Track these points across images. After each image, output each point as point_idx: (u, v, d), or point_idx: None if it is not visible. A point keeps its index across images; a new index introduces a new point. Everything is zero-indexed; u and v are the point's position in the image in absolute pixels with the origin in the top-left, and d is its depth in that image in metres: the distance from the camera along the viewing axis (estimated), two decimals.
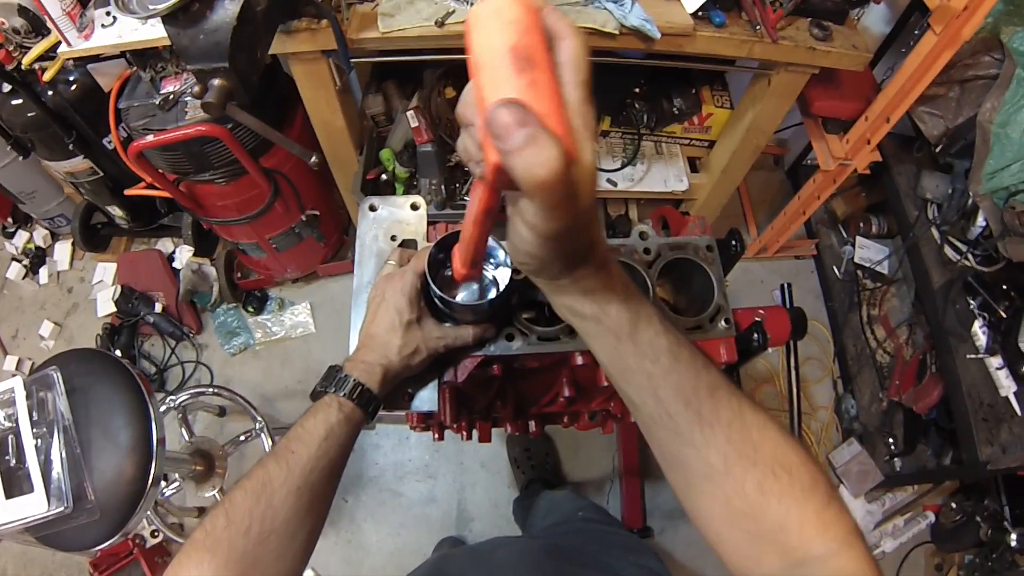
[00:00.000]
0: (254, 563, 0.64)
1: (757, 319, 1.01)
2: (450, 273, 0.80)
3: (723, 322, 0.94)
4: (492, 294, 0.78)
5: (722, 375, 0.58)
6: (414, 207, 0.97)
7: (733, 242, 1.00)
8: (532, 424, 1.30)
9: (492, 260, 0.80)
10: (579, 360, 0.94)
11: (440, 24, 1.46)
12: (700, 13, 1.52)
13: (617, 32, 1.47)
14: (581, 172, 0.43)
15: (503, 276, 0.78)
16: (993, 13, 1.45)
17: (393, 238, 0.95)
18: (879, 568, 0.52)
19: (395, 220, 0.96)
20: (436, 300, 0.79)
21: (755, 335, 0.97)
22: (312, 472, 0.68)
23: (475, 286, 0.81)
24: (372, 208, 0.97)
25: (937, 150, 1.93)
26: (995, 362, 1.82)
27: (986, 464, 1.75)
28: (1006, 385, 1.79)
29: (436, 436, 1.28)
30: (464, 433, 1.30)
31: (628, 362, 0.58)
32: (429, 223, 0.97)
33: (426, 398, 0.86)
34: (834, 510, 0.54)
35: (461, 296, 0.80)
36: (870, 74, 1.97)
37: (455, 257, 0.69)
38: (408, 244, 0.94)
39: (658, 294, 0.93)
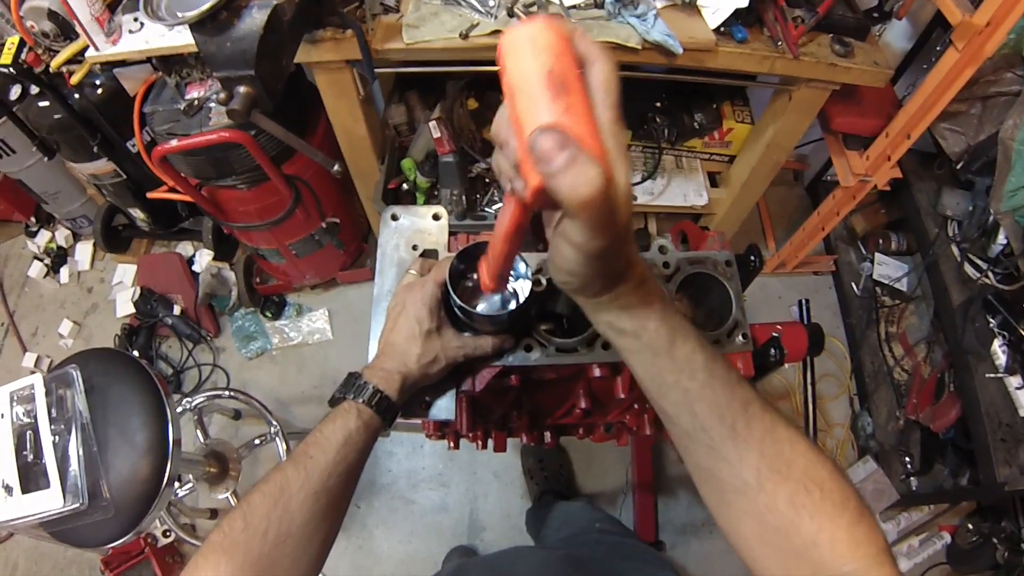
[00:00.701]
0: (270, 566, 0.64)
1: (774, 334, 1.01)
2: (471, 284, 0.80)
3: (740, 337, 0.94)
4: (512, 305, 0.78)
5: (755, 391, 0.58)
6: (436, 217, 0.97)
7: (752, 257, 1.00)
8: (547, 435, 1.30)
9: (512, 272, 0.80)
10: (596, 372, 0.94)
11: (464, 36, 1.47)
12: (722, 28, 1.53)
13: (640, 47, 1.48)
14: (617, 190, 0.44)
15: (523, 288, 0.79)
16: (1016, 29, 1.43)
17: (415, 247, 0.95)
18: None
19: (417, 230, 0.97)
20: (456, 310, 0.79)
21: (772, 350, 0.97)
22: (330, 477, 0.69)
23: (495, 297, 0.82)
24: (394, 217, 0.97)
25: (958, 167, 1.92)
26: (1015, 382, 1.80)
27: (1004, 485, 1.72)
28: None
29: (451, 445, 1.28)
30: (479, 442, 1.30)
31: (665, 377, 0.58)
32: (450, 233, 0.98)
33: (443, 407, 0.86)
34: (865, 526, 0.53)
35: (481, 307, 0.80)
36: (891, 90, 1.97)
37: (482, 271, 0.71)
38: (429, 254, 0.94)
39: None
